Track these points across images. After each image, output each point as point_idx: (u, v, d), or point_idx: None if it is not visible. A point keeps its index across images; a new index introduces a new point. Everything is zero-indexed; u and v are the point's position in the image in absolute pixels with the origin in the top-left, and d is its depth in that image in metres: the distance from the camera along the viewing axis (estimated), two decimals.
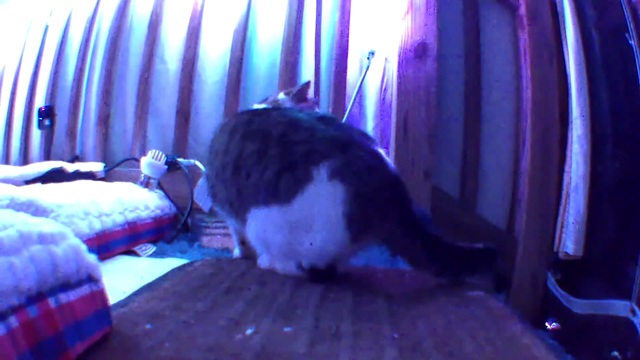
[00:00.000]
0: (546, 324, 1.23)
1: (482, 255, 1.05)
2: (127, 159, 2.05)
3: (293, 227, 0.99)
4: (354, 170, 0.97)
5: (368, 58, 1.81)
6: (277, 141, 1.01)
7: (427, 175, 1.66)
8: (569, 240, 1.20)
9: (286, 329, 0.74)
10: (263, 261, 1.12)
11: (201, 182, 1.35)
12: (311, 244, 0.99)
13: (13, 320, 0.51)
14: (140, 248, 1.56)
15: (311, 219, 0.98)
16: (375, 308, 0.88)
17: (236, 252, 1.25)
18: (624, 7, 1.05)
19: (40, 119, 2.23)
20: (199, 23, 2.09)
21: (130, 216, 1.55)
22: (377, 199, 0.98)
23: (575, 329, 1.14)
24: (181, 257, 1.48)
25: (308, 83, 1.41)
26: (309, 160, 0.98)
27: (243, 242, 1.21)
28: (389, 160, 1.05)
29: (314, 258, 1.02)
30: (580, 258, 1.18)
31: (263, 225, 1.03)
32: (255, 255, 1.16)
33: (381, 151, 1.04)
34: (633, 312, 0.92)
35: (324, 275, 1.02)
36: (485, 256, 1.05)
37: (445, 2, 1.75)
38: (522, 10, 1.51)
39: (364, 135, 1.09)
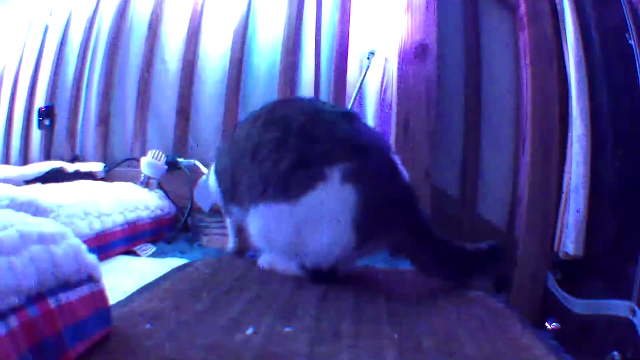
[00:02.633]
0: (546, 324, 1.23)
1: (487, 255, 1.05)
2: (127, 159, 2.05)
3: (299, 226, 0.98)
4: (367, 176, 0.97)
5: (368, 58, 1.81)
6: (297, 133, 1.00)
7: (427, 175, 1.66)
8: (569, 240, 1.19)
9: (286, 329, 0.74)
10: (264, 261, 1.12)
11: (202, 182, 1.34)
12: (318, 245, 0.99)
13: (13, 320, 0.51)
14: (140, 248, 1.56)
15: (319, 219, 0.97)
16: (376, 308, 0.88)
17: (230, 245, 1.25)
18: (624, 7, 1.05)
19: (40, 119, 2.23)
20: (199, 23, 2.09)
21: (130, 216, 1.55)
22: (387, 207, 0.98)
23: (575, 329, 1.14)
24: (181, 257, 1.48)
25: None
26: (324, 160, 0.97)
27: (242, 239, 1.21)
28: (403, 169, 1.04)
29: (318, 259, 1.01)
30: (580, 258, 1.18)
31: (268, 222, 1.02)
32: (248, 248, 1.16)
33: (397, 159, 1.04)
34: (633, 312, 0.91)
35: (325, 277, 1.02)
36: (491, 255, 1.06)
37: (445, 2, 1.75)
38: (522, 10, 1.50)
39: (382, 140, 1.09)
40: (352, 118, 1.08)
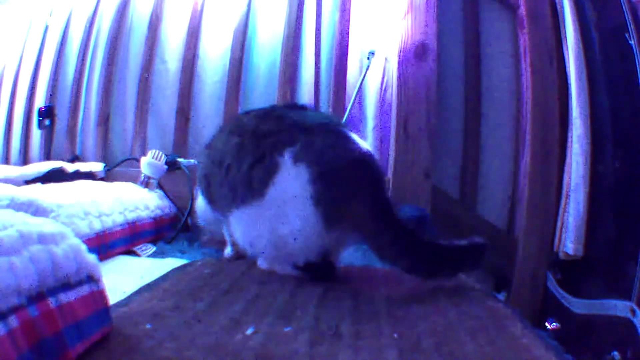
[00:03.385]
0: (546, 324, 1.23)
1: (465, 252, 0.98)
2: (127, 159, 2.05)
3: (272, 222, 0.98)
4: (315, 150, 0.97)
5: (368, 58, 1.81)
6: (251, 134, 1.03)
7: (427, 175, 1.66)
8: (569, 240, 1.20)
9: (286, 329, 0.74)
10: (263, 262, 1.12)
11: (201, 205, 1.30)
12: (295, 239, 0.98)
13: (13, 320, 0.51)
14: (140, 248, 1.56)
15: (285, 209, 0.97)
16: (375, 308, 0.88)
17: (227, 250, 1.25)
18: (624, 7, 1.05)
19: (40, 119, 2.23)
20: (199, 23, 2.09)
21: (130, 216, 1.55)
22: (342, 177, 0.97)
23: (575, 329, 1.14)
24: (181, 257, 1.48)
25: None
26: (274, 149, 0.98)
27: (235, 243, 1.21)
28: (360, 142, 1.03)
29: (302, 252, 1.01)
30: (580, 258, 1.18)
31: (246, 227, 1.03)
32: (245, 255, 1.16)
33: (353, 134, 1.03)
34: (633, 312, 0.92)
35: (321, 271, 1.02)
36: (470, 253, 0.99)
37: (445, 2, 1.75)
38: (522, 10, 1.51)
39: (333, 119, 1.11)
40: (302, 108, 1.12)
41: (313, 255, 1.01)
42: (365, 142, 1.06)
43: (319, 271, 1.02)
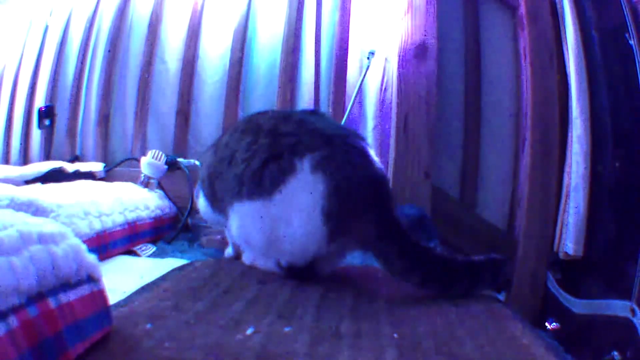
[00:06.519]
0: (546, 324, 1.23)
1: (482, 268, 0.97)
2: (127, 159, 2.05)
3: (274, 222, 0.98)
4: (336, 163, 0.96)
5: (368, 58, 1.81)
6: (267, 132, 1.02)
7: (427, 175, 1.66)
8: (569, 240, 1.19)
9: (286, 329, 0.74)
10: (247, 258, 1.13)
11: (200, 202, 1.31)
12: (292, 243, 0.98)
13: (13, 320, 0.51)
14: (140, 248, 1.56)
15: (291, 213, 0.96)
16: (375, 308, 0.88)
17: (228, 250, 1.25)
18: (624, 7, 1.05)
19: (40, 119, 2.23)
20: (199, 23, 2.09)
21: (130, 216, 1.55)
22: (356, 195, 0.96)
23: (575, 329, 1.14)
24: (181, 257, 1.48)
25: None
26: (294, 152, 0.97)
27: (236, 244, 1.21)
28: (376, 159, 1.03)
29: (293, 255, 1.01)
30: (580, 258, 1.18)
31: (245, 221, 1.02)
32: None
33: (370, 150, 1.03)
34: (633, 312, 0.92)
35: (301, 275, 1.02)
36: (488, 270, 0.98)
37: (445, 2, 1.75)
38: (522, 10, 1.51)
39: (354, 132, 1.10)
40: (321, 115, 1.12)
41: (302, 260, 1.01)
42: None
43: (298, 273, 1.02)
